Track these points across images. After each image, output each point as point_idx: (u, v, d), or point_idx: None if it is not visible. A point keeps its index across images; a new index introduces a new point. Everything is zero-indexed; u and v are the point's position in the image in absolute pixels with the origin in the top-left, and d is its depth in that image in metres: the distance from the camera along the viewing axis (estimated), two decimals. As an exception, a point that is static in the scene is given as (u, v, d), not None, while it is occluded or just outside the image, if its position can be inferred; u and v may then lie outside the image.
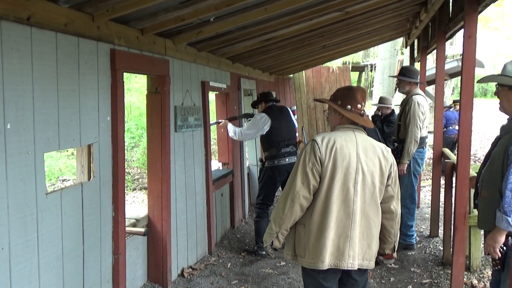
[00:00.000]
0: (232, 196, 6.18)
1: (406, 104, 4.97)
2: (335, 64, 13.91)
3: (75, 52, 2.78)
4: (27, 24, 2.32)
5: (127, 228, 3.54)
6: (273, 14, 4.00)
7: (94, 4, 2.74)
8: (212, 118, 5.73)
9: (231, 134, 5.35)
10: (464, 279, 4.09)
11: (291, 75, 9.88)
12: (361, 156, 2.53)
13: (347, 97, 2.64)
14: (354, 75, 24.60)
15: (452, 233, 3.91)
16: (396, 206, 2.68)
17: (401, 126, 5.02)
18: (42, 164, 2.55)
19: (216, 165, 6.32)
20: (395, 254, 2.83)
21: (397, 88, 5.26)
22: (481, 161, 3.08)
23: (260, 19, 4.15)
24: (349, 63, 20.45)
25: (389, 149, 2.68)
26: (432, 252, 5.11)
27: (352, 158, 2.51)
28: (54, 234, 2.68)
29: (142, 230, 3.67)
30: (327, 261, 2.52)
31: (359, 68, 22.54)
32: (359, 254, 2.57)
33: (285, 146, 5.11)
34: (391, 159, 2.64)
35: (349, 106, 2.61)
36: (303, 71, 9.99)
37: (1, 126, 2.24)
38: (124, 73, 3.37)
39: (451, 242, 4.04)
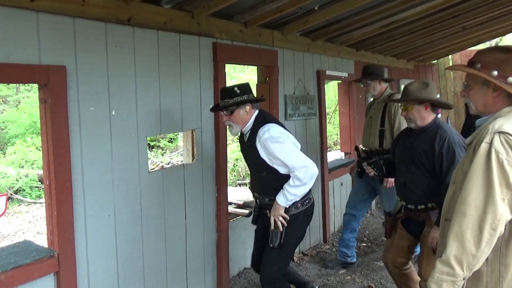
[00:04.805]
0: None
1: None
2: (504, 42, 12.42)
3: (176, 47, 3.11)
4: (128, 24, 2.70)
5: (231, 209, 3.82)
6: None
7: (191, 2, 3.03)
8: (329, 106, 5.67)
9: (291, 197, 2.86)
10: None
11: (435, 61, 9.15)
12: None
13: (507, 64, 1.81)
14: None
15: None
16: None
17: None
18: (145, 145, 2.93)
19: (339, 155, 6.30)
20: None
21: None
22: None
23: (371, 4, 4.01)
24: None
25: None
26: None
27: None
28: (156, 207, 3.06)
29: (246, 211, 3.92)
30: None
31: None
32: None
33: None
34: None
35: (510, 78, 1.77)
36: (449, 56, 9.16)
37: (107, 112, 2.66)
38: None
39: None
